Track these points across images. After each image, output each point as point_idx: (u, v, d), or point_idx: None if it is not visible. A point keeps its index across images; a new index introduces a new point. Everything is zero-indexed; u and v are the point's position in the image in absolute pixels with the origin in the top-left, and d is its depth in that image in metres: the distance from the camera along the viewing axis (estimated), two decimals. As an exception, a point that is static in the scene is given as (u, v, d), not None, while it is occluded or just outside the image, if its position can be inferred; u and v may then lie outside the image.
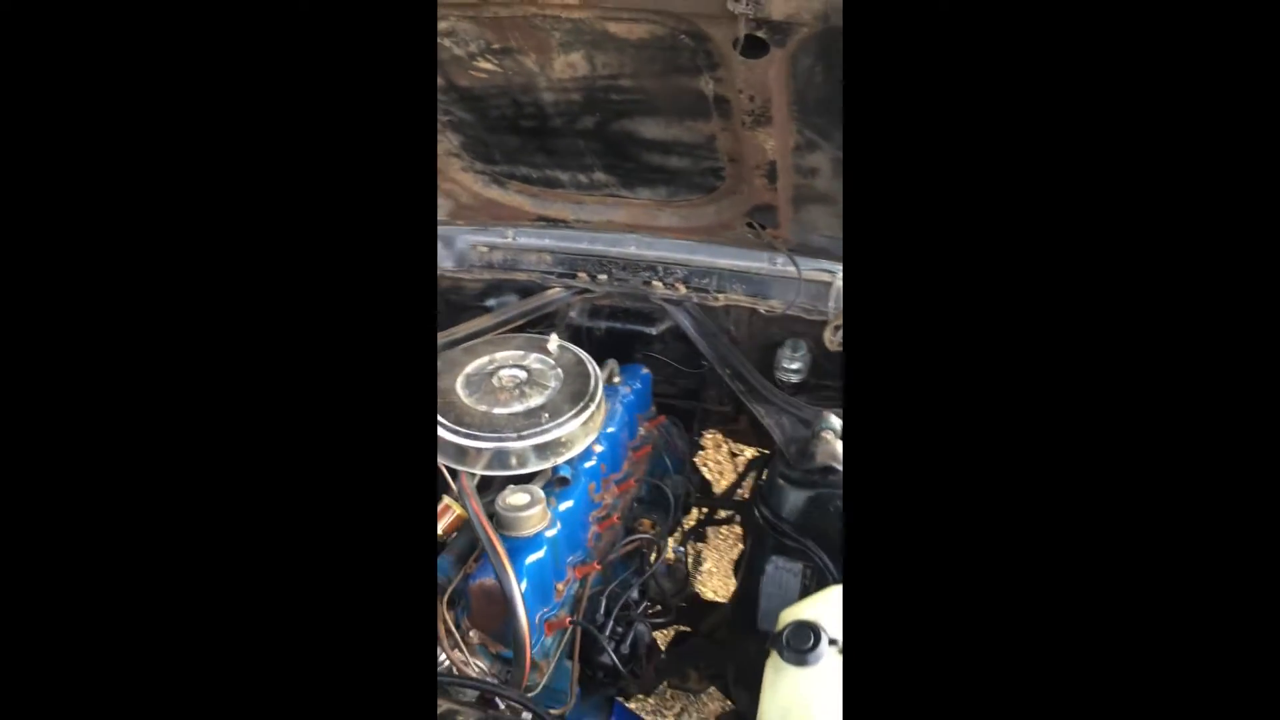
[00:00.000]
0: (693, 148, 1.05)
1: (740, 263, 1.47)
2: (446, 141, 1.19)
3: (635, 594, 1.14)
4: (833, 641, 0.79)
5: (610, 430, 1.24)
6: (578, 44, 0.84)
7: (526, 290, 1.57)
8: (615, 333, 1.56)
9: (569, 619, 1.02)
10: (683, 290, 1.48)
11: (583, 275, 1.54)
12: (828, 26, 0.69)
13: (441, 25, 0.86)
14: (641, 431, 1.41)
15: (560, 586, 1.06)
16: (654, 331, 1.53)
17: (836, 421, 1.07)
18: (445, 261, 1.69)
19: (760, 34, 0.71)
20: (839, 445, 1.04)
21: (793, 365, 1.41)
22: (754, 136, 0.92)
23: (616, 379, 1.35)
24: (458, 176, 1.31)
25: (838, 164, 0.97)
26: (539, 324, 1.58)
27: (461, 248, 1.69)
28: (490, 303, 1.62)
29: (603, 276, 1.53)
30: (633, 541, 1.18)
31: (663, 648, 1.35)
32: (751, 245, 1.37)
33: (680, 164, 1.12)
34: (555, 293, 1.51)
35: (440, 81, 0.99)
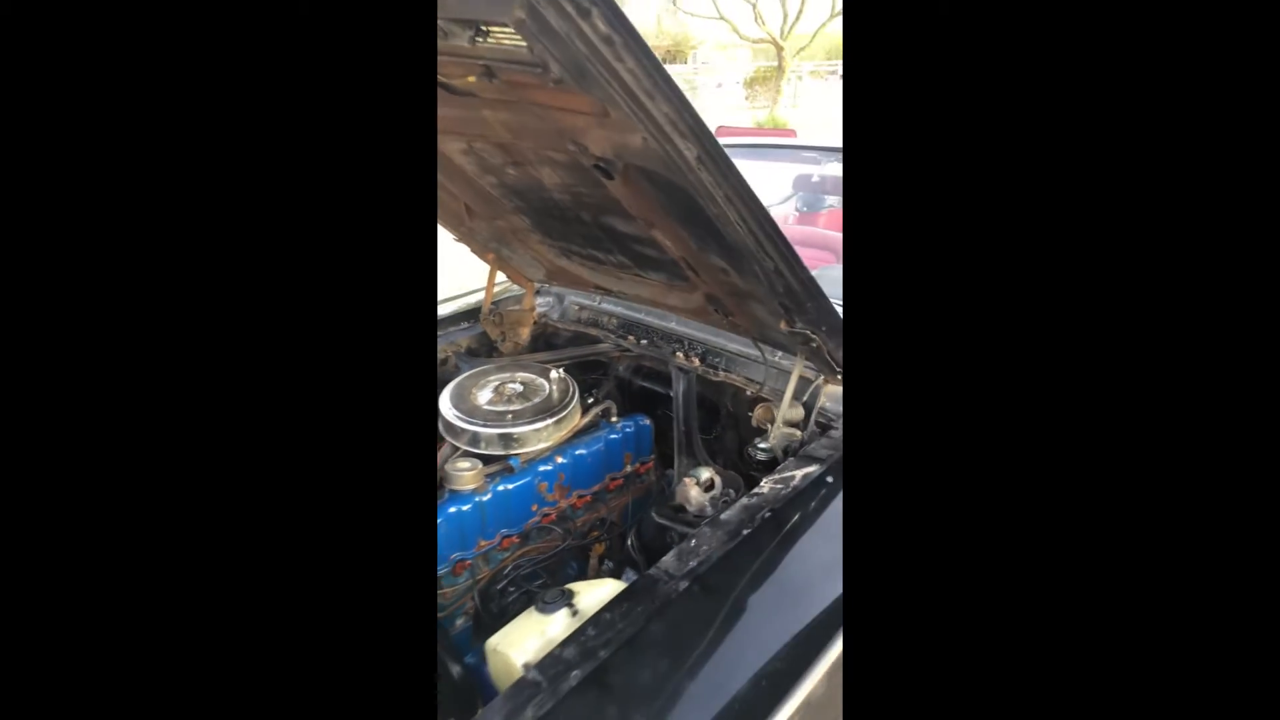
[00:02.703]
0: (650, 243, 1.38)
1: (745, 349, 1.71)
2: (521, 220, 1.68)
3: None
4: (572, 606, 1.02)
5: (580, 452, 1.56)
6: (543, 163, 1.26)
7: (594, 341, 1.99)
8: (645, 390, 1.89)
9: (469, 562, 1.36)
10: (696, 363, 1.76)
11: (631, 338, 1.92)
12: (628, 164, 1.01)
13: (478, 144, 1.35)
14: (627, 469, 1.69)
15: (483, 543, 1.40)
16: (672, 394, 1.82)
17: (704, 472, 1.27)
18: (553, 314, 2.20)
19: (600, 165, 1.05)
20: (694, 491, 1.23)
21: (762, 445, 1.58)
22: (657, 236, 1.23)
23: (614, 418, 1.67)
24: (537, 248, 1.80)
25: (733, 267, 1.22)
26: (593, 369, 1.98)
27: (566, 304, 2.19)
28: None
29: (645, 341, 1.89)
30: (542, 531, 1.48)
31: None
32: (746, 334, 1.61)
33: (653, 254, 1.45)
34: (603, 346, 1.91)
35: (494, 179, 1.49)
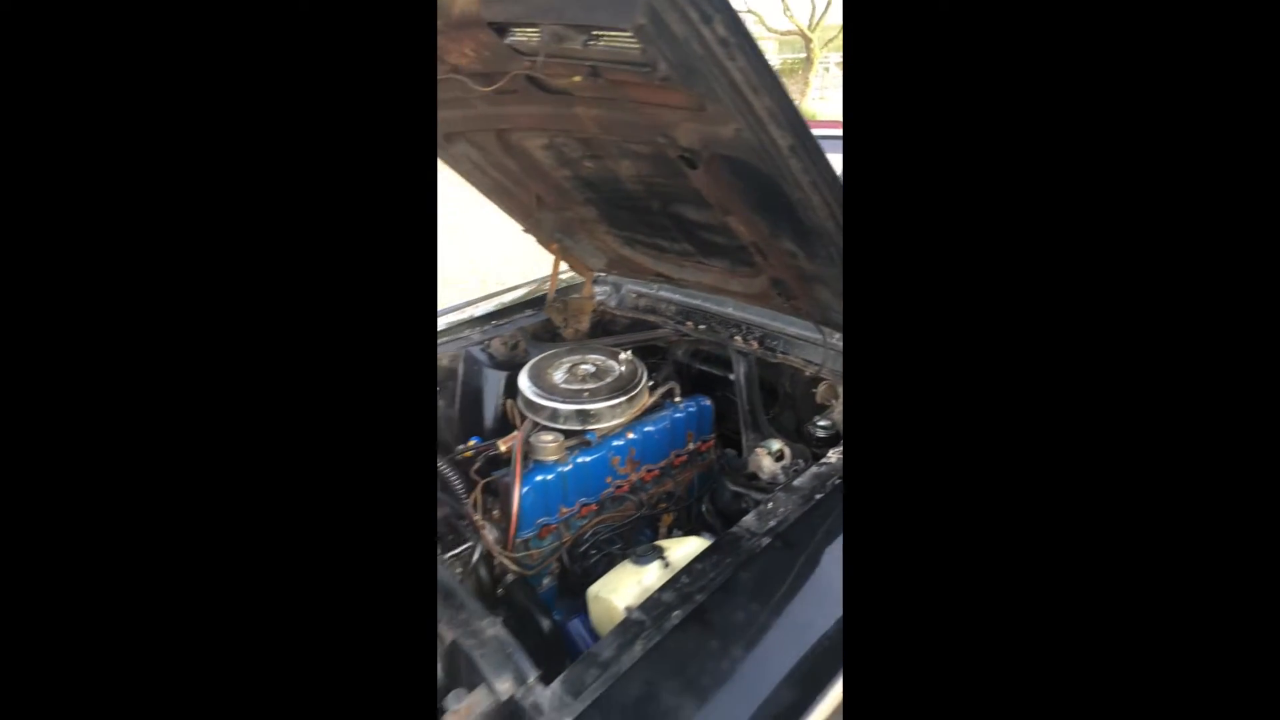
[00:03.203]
0: (720, 229, 1.47)
1: (804, 331, 1.79)
2: (590, 211, 1.78)
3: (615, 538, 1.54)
4: (664, 559, 1.12)
5: (649, 429, 1.66)
6: (624, 155, 1.35)
7: (653, 327, 2.09)
8: (704, 373, 1.98)
9: (554, 526, 1.47)
10: (755, 346, 1.85)
11: (690, 324, 2.01)
12: (714, 154, 1.09)
13: (559, 139, 1.45)
14: (690, 447, 1.79)
15: (564, 509, 1.51)
16: (731, 377, 1.90)
17: (775, 444, 1.35)
18: (610, 301, 2.30)
19: (686, 155, 1.14)
20: (766, 460, 1.32)
21: (822, 423, 1.66)
22: (731, 222, 1.32)
23: (677, 398, 1.76)
24: (603, 238, 1.90)
25: (804, 251, 1.31)
26: (651, 354, 2.07)
27: (624, 292, 2.29)
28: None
29: (703, 326, 1.98)
30: (617, 500, 1.58)
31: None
32: (808, 317, 1.69)
33: (722, 240, 1.53)
34: (661, 331, 2.00)
35: (569, 173, 1.59)
